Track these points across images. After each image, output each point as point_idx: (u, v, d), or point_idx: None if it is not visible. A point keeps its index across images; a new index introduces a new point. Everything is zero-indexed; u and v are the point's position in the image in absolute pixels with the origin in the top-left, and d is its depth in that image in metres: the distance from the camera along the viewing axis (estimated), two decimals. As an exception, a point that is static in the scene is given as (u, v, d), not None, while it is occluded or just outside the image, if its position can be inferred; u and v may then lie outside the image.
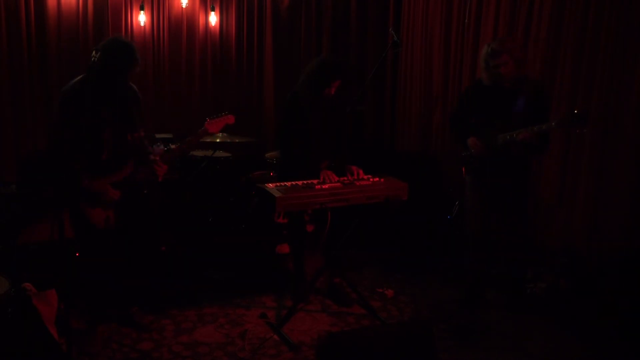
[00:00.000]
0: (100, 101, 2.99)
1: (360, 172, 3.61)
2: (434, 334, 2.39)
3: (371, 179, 3.54)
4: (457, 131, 3.72)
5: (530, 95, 3.39)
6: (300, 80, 3.60)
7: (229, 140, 4.85)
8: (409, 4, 5.51)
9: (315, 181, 3.45)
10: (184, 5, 5.54)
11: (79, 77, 3.03)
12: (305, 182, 3.43)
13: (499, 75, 3.37)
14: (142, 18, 5.35)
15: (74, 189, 3.00)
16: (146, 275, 3.61)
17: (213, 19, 5.72)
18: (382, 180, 3.54)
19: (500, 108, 3.43)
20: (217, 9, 5.76)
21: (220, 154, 4.75)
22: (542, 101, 3.44)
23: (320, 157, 3.63)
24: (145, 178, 3.21)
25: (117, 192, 3.09)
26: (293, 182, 3.41)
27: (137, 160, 3.19)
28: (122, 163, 3.13)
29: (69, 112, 2.95)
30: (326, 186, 3.39)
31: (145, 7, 5.36)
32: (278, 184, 3.39)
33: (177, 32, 5.60)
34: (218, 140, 4.79)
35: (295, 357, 3.13)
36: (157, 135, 4.77)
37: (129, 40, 3.07)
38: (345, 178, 3.53)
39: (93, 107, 2.97)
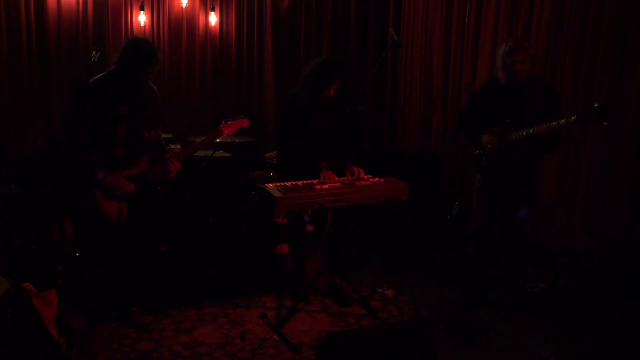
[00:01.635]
0: (119, 98, 3.06)
1: (361, 172, 3.61)
2: (434, 334, 2.39)
3: (371, 179, 3.54)
4: (468, 129, 3.69)
5: (543, 95, 3.39)
6: (299, 81, 3.60)
7: (229, 140, 4.84)
8: (409, 4, 5.51)
9: (315, 181, 3.45)
10: (184, 5, 5.54)
11: (99, 75, 3.09)
12: (305, 182, 3.42)
13: (516, 73, 3.36)
14: (142, 18, 5.35)
15: (86, 182, 3.04)
16: (146, 275, 3.61)
17: (213, 19, 5.72)
18: (382, 180, 3.54)
19: (514, 106, 3.43)
20: (217, 9, 5.76)
21: (220, 154, 4.74)
22: (553, 102, 3.42)
23: (320, 158, 3.63)
24: (158, 175, 3.25)
25: (131, 185, 3.13)
26: (293, 182, 3.41)
27: (152, 157, 3.24)
28: (136, 159, 3.18)
29: (86, 107, 3.02)
30: (326, 186, 3.39)
31: (145, 7, 5.36)
32: (278, 184, 3.39)
33: (177, 32, 5.60)
34: (218, 140, 4.77)
35: (295, 357, 3.13)
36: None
37: (145, 41, 3.12)
38: (345, 178, 3.53)
39: (111, 104, 3.04)
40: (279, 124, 3.75)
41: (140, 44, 3.02)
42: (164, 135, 4.70)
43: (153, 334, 3.29)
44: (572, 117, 3.16)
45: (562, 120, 3.19)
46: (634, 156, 3.84)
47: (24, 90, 4.89)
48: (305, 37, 5.92)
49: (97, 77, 3.09)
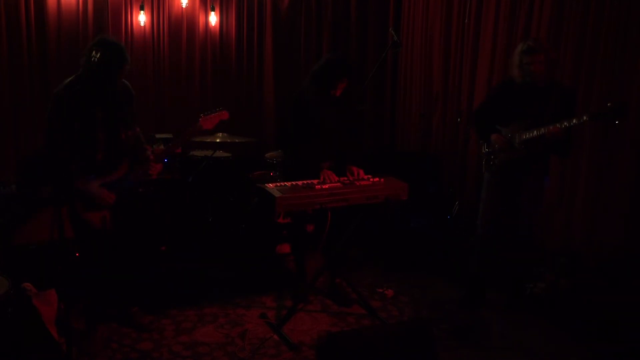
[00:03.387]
0: (93, 102, 2.99)
1: (361, 172, 3.61)
2: (434, 334, 2.39)
3: (371, 179, 3.53)
4: (481, 127, 3.66)
5: (559, 98, 3.34)
6: (307, 79, 3.59)
7: (229, 140, 4.85)
8: (409, 4, 5.52)
9: (315, 181, 3.45)
10: (184, 5, 5.54)
11: (70, 78, 3.01)
12: (305, 182, 3.42)
13: (531, 74, 3.32)
14: (142, 18, 5.35)
15: (68, 190, 3.00)
16: (146, 275, 3.61)
17: (213, 19, 5.72)
18: (382, 180, 3.54)
19: (529, 107, 3.39)
20: (217, 9, 5.75)
21: (220, 154, 4.75)
22: (570, 102, 3.38)
23: (327, 157, 3.62)
24: (139, 178, 3.20)
25: (112, 195, 3.08)
26: (293, 182, 3.41)
27: (132, 159, 3.19)
28: (117, 163, 3.13)
29: (62, 113, 2.95)
30: (326, 186, 3.39)
31: (145, 7, 5.36)
32: (278, 184, 3.39)
33: (177, 32, 5.60)
34: (218, 140, 4.79)
35: (295, 357, 3.13)
36: (157, 135, 4.76)
37: (116, 40, 3.07)
38: (345, 178, 3.53)
39: (86, 108, 2.97)
40: (284, 124, 3.72)
41: (108, 44, 2.94)
42: (163, 136, 4.73)
43: (153, 334, 3.29)
44: (584, 117, 3.11)
45: (574, 120, 3.14)
46: (634, 156, 3.84)
47: (24, 90, 4.89)
48: (305, 37, 5.92)
49: (67, 80, 3.00)
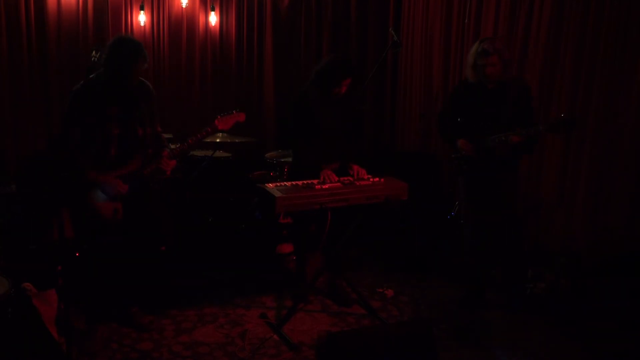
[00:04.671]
0: (109, 98, 3.06)
1: (362, 171, 3.60)
2: (434, 334, 2.39)
3: (371, 179, 3.53)
4: (446, 132, 3.71)
5: (516, 96, 3.39)
6: (309, 79, 3.59)
7: (229, 140, 4.85)
8: (409, 4, 5.51)
9: (315, 181, 3.45)
10: (184, 5, 5.53)
11: (90, 77, 3.10)
12: (305, 182, 3.42)
13: (485, 75, 3.38)
14: (142, 18, 5.34)
15: (80, 183, 3.04)
16: (146, 275, 3.61)
17: (213, 19, 5.71)
18: (382, 180, 3.54)
19: (487, 108, 3.44)
20: (217, 9, 5.75)
21: (220, 154, 4.74)
22: (527, 102, 3.45)
23: (330, 157, 3.62)
24: (153, 173, 3.23)
25: (125, 186, 3.12)
26: (293, 182, 3.41)
27: (147, 155, 3.22)
28: (130, 158, 3.17)
29: (78, 109, 3.03)
30: (326, 186, 3.39)
31: (145, 7, 5.36)
32: (278, 183, 3.39)
33: (177, 32, 5.59)
34: (218, 140, 4.78)
35: (295, 357, 3.13)
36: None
37: (135, 39, 3.13)
38: (345, 178, 3.53)
39: (101, 105, 3.05)
40: (288, 124, 3.71)
41: (124, 43, 3.00)
42: (164, 135, 4.72)
43: (153, 334, 3.30)
44: (540, 127, 3.22)
45: (531, 130, 3.24)
46: (634, 156, 3.84)
47: (24, 90, 4.89)
48: (305, 37, 5.92)
49: (88, 79, 3.10)
